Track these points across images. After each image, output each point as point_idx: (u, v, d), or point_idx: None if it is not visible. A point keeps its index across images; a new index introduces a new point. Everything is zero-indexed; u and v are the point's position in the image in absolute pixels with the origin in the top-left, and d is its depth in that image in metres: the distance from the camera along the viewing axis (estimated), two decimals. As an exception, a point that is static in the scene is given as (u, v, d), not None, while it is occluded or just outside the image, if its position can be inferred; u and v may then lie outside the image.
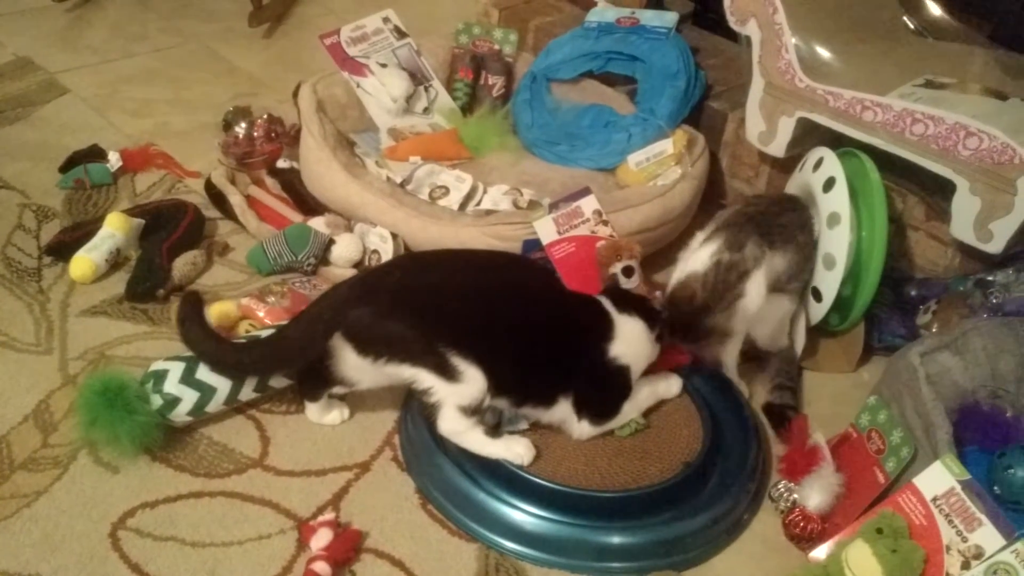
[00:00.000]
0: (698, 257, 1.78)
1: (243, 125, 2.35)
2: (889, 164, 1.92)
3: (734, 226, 1.81)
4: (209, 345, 1.63)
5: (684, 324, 1.74)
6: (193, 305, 1.66)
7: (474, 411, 1.55)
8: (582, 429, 1.62)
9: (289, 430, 1.70)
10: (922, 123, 1.84)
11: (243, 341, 1.68)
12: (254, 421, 1.71)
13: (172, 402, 1.60)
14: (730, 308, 1.74)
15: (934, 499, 1.44)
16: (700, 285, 1.74)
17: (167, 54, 2.99)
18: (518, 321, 1.58)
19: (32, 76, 2.74)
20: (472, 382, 1.52)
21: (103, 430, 1.55)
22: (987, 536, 1.38)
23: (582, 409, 1.60)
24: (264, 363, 1.66)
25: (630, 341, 1.64)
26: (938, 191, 1.93)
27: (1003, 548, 1.36)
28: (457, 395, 1.53)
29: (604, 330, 1.63)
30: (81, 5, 3.18)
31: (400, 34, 2.46)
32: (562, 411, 1.61)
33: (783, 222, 1.84)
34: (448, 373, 1.52)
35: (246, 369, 1.66)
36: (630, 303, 1.68)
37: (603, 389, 1.63)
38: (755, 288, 1.75)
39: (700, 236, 1.86)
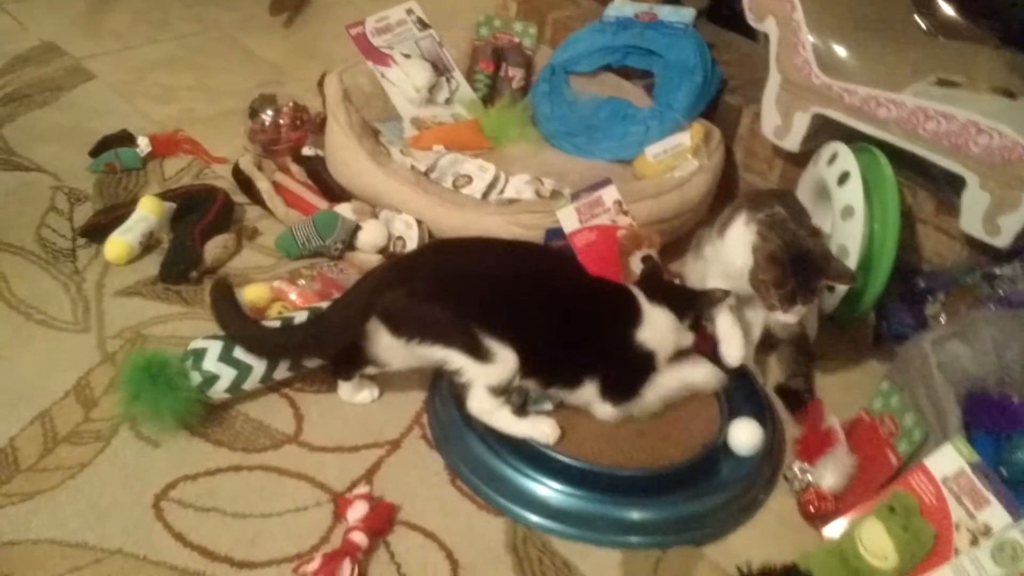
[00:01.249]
0: (735, 238, 1.79)
1: (269, 112, 2.39)
2: (900, 159, 1.98)
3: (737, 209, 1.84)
4: (251, 332, 1.69)
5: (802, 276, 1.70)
6: (225, 295, 1.71)
7: (503, 391, 1.61)
8: (605, 410, 1.68)
9: (322, 408, 1.76)
10: (934, 120, 1.90)
11: (282, 326, 1.73)
12: (288, 399, 1.77)
13: (211, 379, 1.66)
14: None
15: (944, 480, 1.49)
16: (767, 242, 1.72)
17: (189, 41, 3.04)
18: (547, 304, 1.64)
19: (58, 61, 2.79)
20: (503, 363, 1.58)
21: (146, 405, 1.61)
22: (995, 515, 1.43)
23: (606, 391, 1.66)
24: (306, 346, 1.71)
25: (657, 328, 1.70)
26: (948, 186, 1.99)
27: (1010, 526, 1.41)
28: (487, 376, 1.59)
29: (632, 316, 1.69)
30: (102, -9, 3.23)
31: (423, 25, 2.52)
32: (587, 393, 1.66)
33: (780, 205, 1.83)
34: (479, 354, 1.58)
35: (289, 352, 1.72)
36: (662, 292, 1.74)
37: (628, 372, 1.69)
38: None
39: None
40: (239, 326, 1.69)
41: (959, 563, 1.43)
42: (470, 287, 1.61)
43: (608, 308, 1.70)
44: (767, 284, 1.70)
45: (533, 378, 1.63)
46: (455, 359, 1.59)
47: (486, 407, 1.62)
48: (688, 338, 1.75)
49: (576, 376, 1.66)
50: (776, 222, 1.73)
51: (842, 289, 1.93)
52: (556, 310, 1.64)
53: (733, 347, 1.79)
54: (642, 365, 1.69)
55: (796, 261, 1.68)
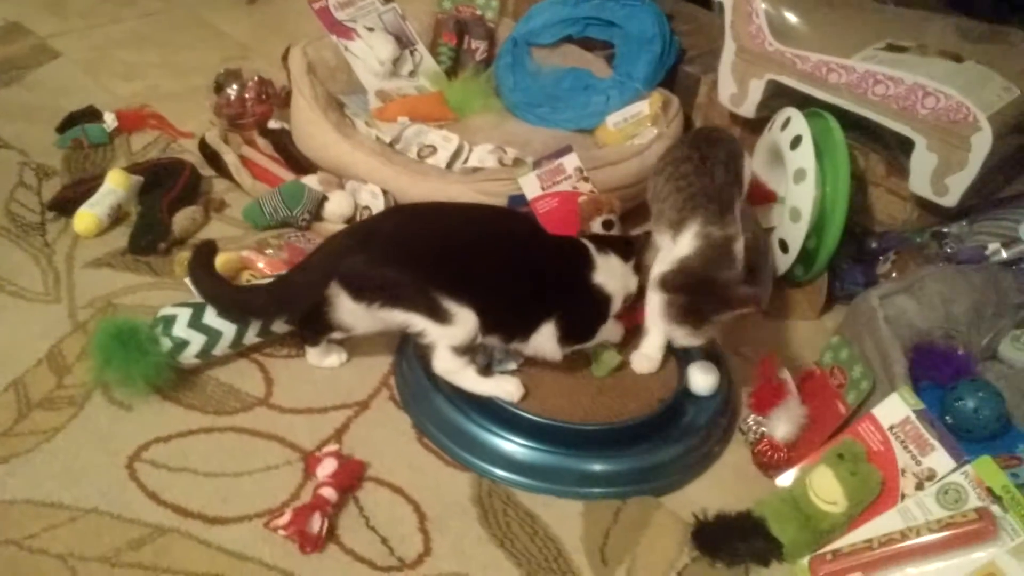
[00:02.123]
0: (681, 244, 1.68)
1: (234, 87, 2.42)
2: (852, 123, 2.04)
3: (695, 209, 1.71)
4: (218, 290, 1.72)
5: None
6: (206, 253, 1.74)
7: (466, 350, 1.66)
8: (557, 349, 1.72)
9: (291, 372, 1.80)
10: (883, 84, 1.95)
11: (248, 285, 1.77)
12: (257, 364, 1.81)
13: (181, 345, 1.69)
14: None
15: (891, 427, 1.55)
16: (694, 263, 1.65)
17: (154, 19, 3.06)
18: (501, 262, 1.68)
19: (23, 40, 2.81)
20: (462, 323, 1.62)
21: (117, 370, 1.64)
22: (939, 460, 1.49)
23: (565, 332, 1.70)
24: (268, 307, 1.74)
25: (611, 272, 1.76)
26: (898, 148, 2.04)
27: (953, 470, 1.47)
28: (449, 336, 1.63)
29: (586, 262, 1.75)
30: (66, -29, 3.23)
31: (385, -1, 2.55)
32: (542, 336, 1.70)
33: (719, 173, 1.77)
34: (440, 316, 1.62)
35: (251, 312, 1.75)
36: (605, 243, 1.80)
37: (585, 315, 1.74)
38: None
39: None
40: (210, 284, 1.71)
41: (905, 506, 1.49)
42: (427, 250, 1.65)
43: (562, 257, 1.76)
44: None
45: (495, 334, 1.68)
46: (416, 322, 1.63)
47: (451, 367, 1.67)
48: (634, 282, 1.80)
49: (534, 325, 1.70)
50: (712, 243, 1.65)
51: (795, 251, 1.99)
52: (511, 266, 1.68)
53: (645, 363, 1.80)
54: (600, 308, 1.75)
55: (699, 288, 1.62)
